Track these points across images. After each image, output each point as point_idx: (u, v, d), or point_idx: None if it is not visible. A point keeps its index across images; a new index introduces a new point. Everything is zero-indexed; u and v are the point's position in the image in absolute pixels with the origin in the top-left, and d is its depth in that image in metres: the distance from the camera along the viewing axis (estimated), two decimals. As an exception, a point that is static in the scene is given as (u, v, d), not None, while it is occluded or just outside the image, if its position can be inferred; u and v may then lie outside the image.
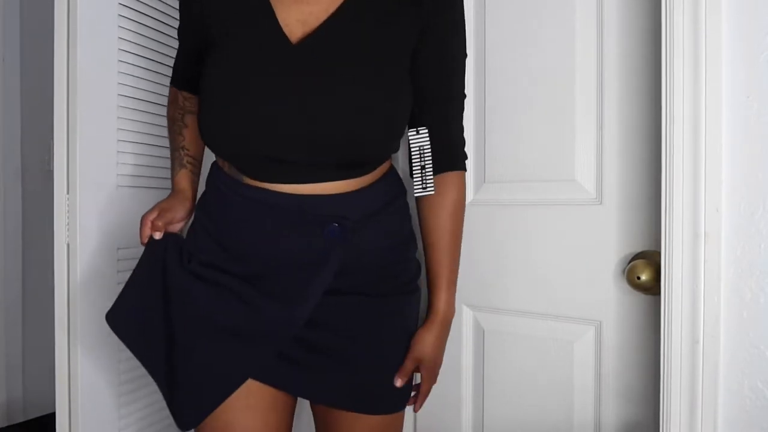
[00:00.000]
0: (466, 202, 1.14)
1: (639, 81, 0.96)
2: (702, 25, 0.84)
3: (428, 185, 0.96)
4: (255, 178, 0.90)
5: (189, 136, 1.08)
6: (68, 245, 1.22)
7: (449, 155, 0.98)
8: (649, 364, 0.96)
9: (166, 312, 0.93)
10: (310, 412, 1.06)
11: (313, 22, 0.86)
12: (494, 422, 1.13)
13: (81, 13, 1.19)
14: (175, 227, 1.03)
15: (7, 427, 2.43)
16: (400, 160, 1.19)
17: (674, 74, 0.86)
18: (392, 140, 0.91)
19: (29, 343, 2.50)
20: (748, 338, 0.83)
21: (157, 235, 0.96)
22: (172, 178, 1.07)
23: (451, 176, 0.98)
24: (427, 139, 0.96)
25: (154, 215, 0.98)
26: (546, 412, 1.07)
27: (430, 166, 0.96)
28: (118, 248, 1.30)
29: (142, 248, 1.01)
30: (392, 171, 0.99)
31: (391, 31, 0.89)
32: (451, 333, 1.17)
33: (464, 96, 1.01)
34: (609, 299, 0.99)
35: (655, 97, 0.94)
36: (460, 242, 1.01)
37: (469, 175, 1.14)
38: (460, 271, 1.15)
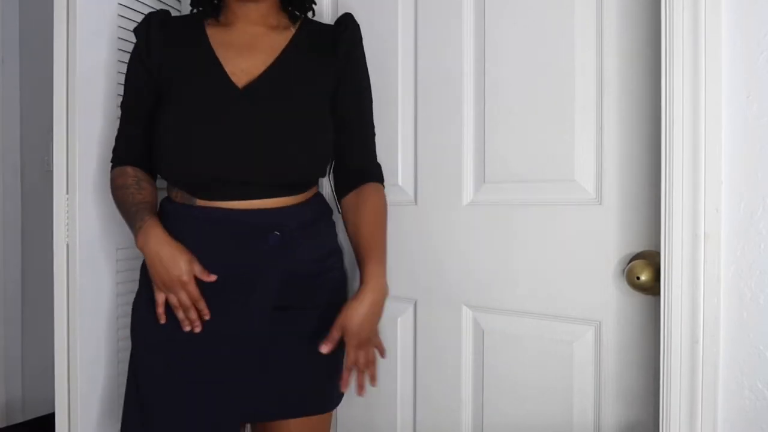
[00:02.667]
0: (466, 202, 1.15)
1: (639, 81, 0.96)
2: (702, 25, 0.84)
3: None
4: (207, 199, 1.06)
5: (149, 195, 1.09)
6: (68, 245, 1.22)
7: (367, 171, 1.16)
8: (648, 364, 0.96)
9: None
10: None
11: (254, 72, 1.07)
12: (494, 422, 1.13)
13: (81, 14, 1.19)
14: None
15: (7, 427, 2.43)
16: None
17: (674, 74, 0.86)
18: (318, 165, 1.11)
19: (29, 343, 2.50)
20: (748, 338, 0.83)
21: (209, 278, 1.02)
22: (146, 228, 1.02)
23: (370, 186, 1.14)
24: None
25: (195, 266, 1.01)
26: (545, 412, 1.07)
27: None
28: (118, 248, 1.30)
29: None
30: (319, 194, 1.18)
31: (316, 78, 1.11)
32: (450, 333, 1.18)
33: (373, 125, 1.19)
34: (608, 299, 0.99)
35: (655, 97, 0.94)
36: (385, 234, 1.13)
37: (469, 176, 1.15)
38: (459, 270, 1.15)
